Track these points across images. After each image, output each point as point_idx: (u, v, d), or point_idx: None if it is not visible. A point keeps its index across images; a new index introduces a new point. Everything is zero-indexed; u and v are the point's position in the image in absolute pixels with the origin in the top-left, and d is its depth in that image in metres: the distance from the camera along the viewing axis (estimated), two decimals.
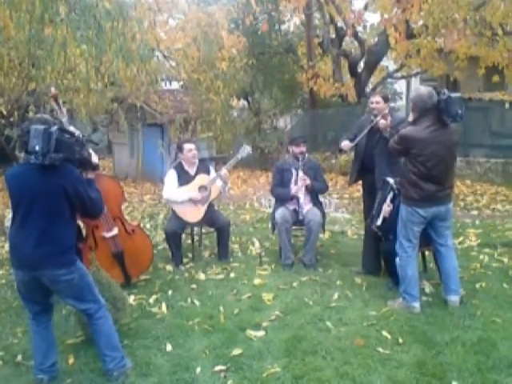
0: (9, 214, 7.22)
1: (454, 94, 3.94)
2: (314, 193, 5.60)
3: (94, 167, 3.37)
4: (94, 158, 3.39)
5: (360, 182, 5.42)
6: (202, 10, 12.22)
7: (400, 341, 3.72)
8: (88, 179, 3.28)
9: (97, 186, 3.35)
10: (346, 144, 5.05)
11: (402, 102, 17.99)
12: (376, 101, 4.90)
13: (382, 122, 4.72)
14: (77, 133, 3.23)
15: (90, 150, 3.36)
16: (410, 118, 4.18)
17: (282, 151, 12.98)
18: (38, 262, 3.06)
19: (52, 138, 2.90)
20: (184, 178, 5.62)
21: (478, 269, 5.21)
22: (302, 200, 5.46)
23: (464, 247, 6.00)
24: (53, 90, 3.80)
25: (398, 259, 4.29)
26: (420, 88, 4.19)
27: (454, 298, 4.26)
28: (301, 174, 5.48)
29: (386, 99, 4.96)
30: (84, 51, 7.25)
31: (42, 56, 7.17)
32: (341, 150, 5.18)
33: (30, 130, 2.92)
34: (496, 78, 11.49)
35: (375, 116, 4.87)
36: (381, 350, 3.61)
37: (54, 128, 2.96)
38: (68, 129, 3.25)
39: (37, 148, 2.88)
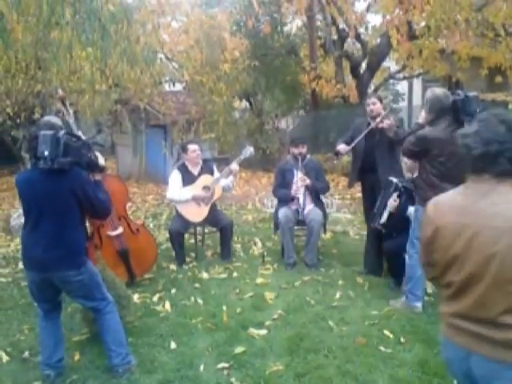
0: (14, 214, 7.30)
1: (471, 93, 3.88)
2: (316, 193, 5.64)
3: (101, 169, 3.43)
4: (101, 160, 3.45)
5: (359, 183, 5.45)
6: (205, 13, 12.28)
7: (402, 340, 3.75)
8: (96, 181, 3.34)
9: (104, 187, 3.41)
10: (342, 147, 5.09)
11: (404, 103, 18.00)
12: (372, 102, 4.99)
13: (386, 122, 4.76)
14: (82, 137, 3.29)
15: (97, 153, 3.41)
16: (421, 120, 4.19)
17: (284, 152, 13.00)
18: (49, 265, 3.12)
19: (60, 142, 2.95)
20: (188, 179, 5.68)
21: None
22: (301, 200, 5.50)
23: None
24: (60, 92, 3.87)
25: (407, 258, 4.25)
26: (434, 89, 4.13)
27: None
28: (300, 174, 5.53)
29: (381, 100, 5.09)
30: (89, 54, 7.32)
31: (48, 58, 7.25)
32: (337, 154, 5.21)
33: (39, 136, 2.97)
34: (499, 79, 11.49)
35: (373, 118, 4.92)
36: (383, 348, 3.65)
37: (62, 133, 3.01)
38: (75, 132, 3.31)
39: (46, 153, 2.93)
